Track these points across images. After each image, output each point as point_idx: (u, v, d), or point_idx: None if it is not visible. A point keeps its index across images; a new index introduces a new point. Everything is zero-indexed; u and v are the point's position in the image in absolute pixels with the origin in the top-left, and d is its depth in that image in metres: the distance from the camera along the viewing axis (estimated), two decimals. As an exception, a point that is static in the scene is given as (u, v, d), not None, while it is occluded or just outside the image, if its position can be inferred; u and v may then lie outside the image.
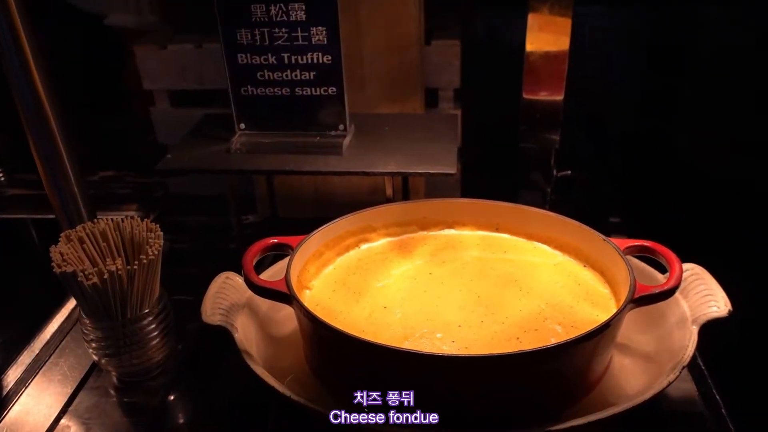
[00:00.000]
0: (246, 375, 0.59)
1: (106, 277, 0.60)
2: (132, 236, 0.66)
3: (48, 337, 0.75)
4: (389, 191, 0.74)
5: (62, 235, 0.65)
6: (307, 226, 0.60)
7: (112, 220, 0.67)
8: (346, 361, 0.49)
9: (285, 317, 0.60)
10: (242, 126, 0.77)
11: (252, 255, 0.54)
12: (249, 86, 0.74)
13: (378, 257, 0.61)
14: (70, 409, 0.65)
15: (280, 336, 0.59)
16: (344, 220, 0.60)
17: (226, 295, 0.57)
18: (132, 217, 0.67)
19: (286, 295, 0.51)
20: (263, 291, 0.52)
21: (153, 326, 0.66)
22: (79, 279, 0.60)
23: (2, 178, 1.13)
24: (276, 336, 0.59)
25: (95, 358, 0.67)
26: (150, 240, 0.64)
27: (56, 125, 0.69)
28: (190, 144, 0.79)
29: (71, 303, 0.80)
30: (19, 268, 0.96)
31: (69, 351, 0.72)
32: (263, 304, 0.60)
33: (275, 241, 0.56)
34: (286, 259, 0.60)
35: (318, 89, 0.73)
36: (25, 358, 0.71)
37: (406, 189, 0.83)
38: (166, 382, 0.68)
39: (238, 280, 0.59)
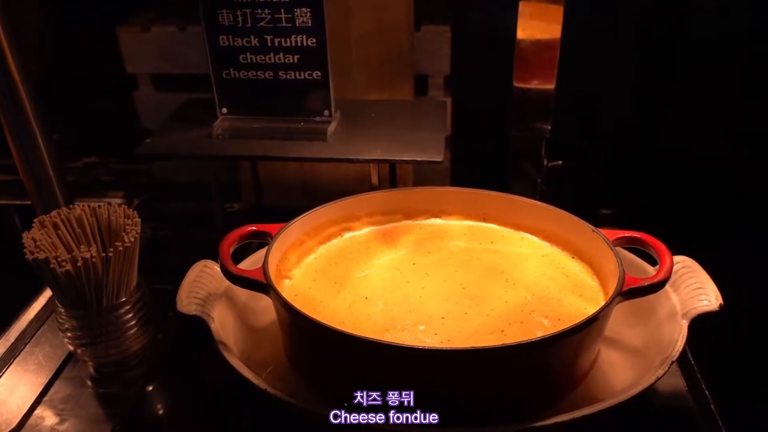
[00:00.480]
0: (226, 366, 0.57)
1: (79, 264, 0.58)
2: (109, 223, 0.64)
3: (24, 325, 0.73)
4: (375, 179, 0.72)
5: (36, 220, 0.63)
6: (293, 214, 0.59)
7: (88, 206, 0.65)
8: (324, 353, 0.47)
9: (264, 308, 0.58)
10: (224, 110, 0.74)
11: (229, 242, 0.52)
12: (231, 69, 0.72)
13: (361, 246, 0.59)
14: (44, 399, 0.63)
15: (260, 327, 0.57)
16: (326, 208, 0.59)
17: (203, 284, 0.55)
18: (109, 204, 0.65)
19: (263, 285, 0.49)
20: (239, 280, 0.50)
21: (130, 315, 0.64)
22: (51, 266, 0.58)
23: (-19, 164, 1.10)
24: (255, 327, 0.57)
25: (71, 347, 0.65)
26: (127, 227, 0.63)
27: (31, 108, 0.67)
28: (171, 129, 0.77)
29: (48, 291, 0.78)
30: (-2, 254, 0.94)
31: (45, 340, 0.70)
32: (242, 294, 0.58)
33: (254, 228, 0.55)
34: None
35: (302, 73, 0.71)
36: (-1, 348, 0.70)
37: (393, 177, 0.81)
38: (144, 372, 0.66)
39: (216, 268, 0.58)
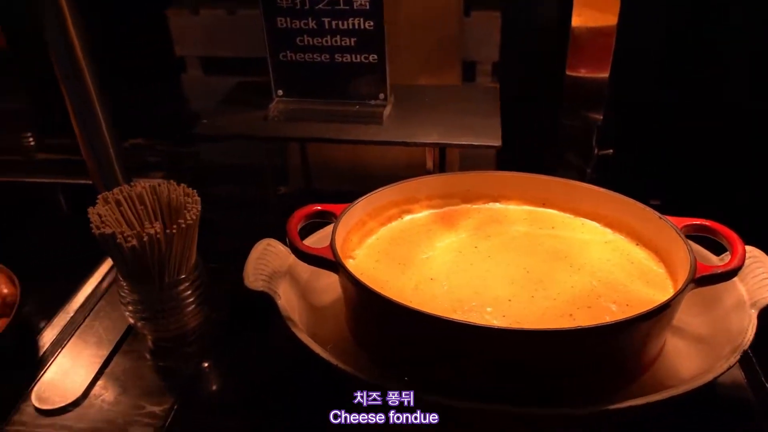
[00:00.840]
0: (280, 344, 0.58)
1: (145, 239, 0.59)
2: (169, 201, 0.65)
3: (82, 300, 0.74)
4: (429, 164, 0.73)
5: (100, 196, 0.64)
6: (341, 198, 0.59)
7: (149, 184, 0.66)
8: (395, 332, 0.48)
9: (326, 286, 0.59)
10: (280, 92, 0.75)
11: (296, 221, 0.53)
12: (288, 51, 0.72)
13: (421, 229, 0.59)
14: (106, 371, 0.64)
15: (321, 305, 0.58)
16: (387, 189, 0.59)
17: (267, 262, 0.56)
18: (169, 182, 0.66)
19: (331, 263, 0.49)
20: (308, 257, 0.51)
21: (189, 292, 0.65)
22: (118, 241, 0.59)
23: (32, 142, 1.12)
24: (316, 305, 0.58)
25: (131, 321, 0.66)
26: (188, 204, 0.64)
27: (94, 89, 0.68)
28: (225, 110, 0.77)
29: (104, 267, 0.80)
30: (48, 232, 0.96)
31: (104, 314, 0.72)
32: (304, 272, 0.59)
33: (319, 208, 0.55)
34: (327, 228, 0.59)
35: (358, 56, 0.71)
36: (61, 320, 0.71)
37: (442, 162, 0.81)
38: (201, 349, 0.67)
39: (280, 247, 0.58)
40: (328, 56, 0.72)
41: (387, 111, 0.73)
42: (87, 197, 0.73)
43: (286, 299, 0.54)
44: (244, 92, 0.82)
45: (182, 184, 0.66)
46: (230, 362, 0.66)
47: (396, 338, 0.48)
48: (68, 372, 0.64)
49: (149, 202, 0.65)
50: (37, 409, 0.60)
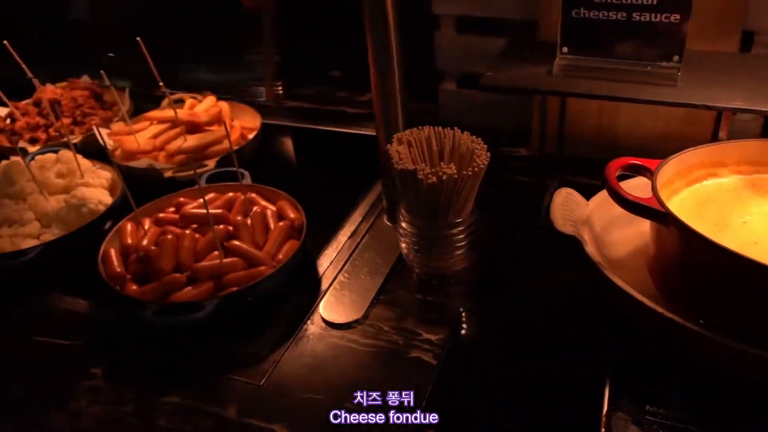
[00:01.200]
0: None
1: (444, 179, 0.63)
2: (454, 146, 0.68)
3: (349, 232, 0.81)
4: (723, 133, 0.68)
5: (395, 136, 0.69)
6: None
7: (434, 129, 0.70)
8: (730, 286, 0.46)
9: (615, 241, 0.59)
10: (564, 50, 0.74)
11: (614, 170, 0.53)
12: (582, 9, 0.71)
13: (731, 194, 0.57)
14: (380, 297, 0.70)
15: (613, 258, 0.58)
16: (700, 150, 0.57)
17: (570, 210, 0.57)
18: (453, 128, 0.69)
19: (658, 212, 0.49)
20: (632, 206, 0.50)
21: (462, 236, 0.68)
22: (419, 177, 0.63)
23: (281, 92, 1.24)
24: (608, 257, 0.58)
25: (405, 252, 0.70)
26: (476, 151, 0.66)
27: (395, 44, 0.71)
28: (504, 65, 0.78)
29: (364, 206, 0.86)
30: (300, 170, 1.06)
31: (371, 247, 0.78)
32: (597, 224, 0.59)
33: (635, 162, 0.55)
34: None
35: (659, 15, 0.68)
36: (334, 248, 0.78)
37: (715, 132, 0.76)
38: (464, 290, 0.70)
39: (578, 197, 0.59)
40: (624, 14, 0.70)
41: (680, 73, 0.70)
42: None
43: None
44: (516, 49, 0.83)
45: (465, 132, 0.69)
46: (494, 307, 0.69)
47: (727, 292, 0.46)
48: (348, 294, 0.70)
49: (436, 146, 0.69)
50: (326, 322, 0.67)
